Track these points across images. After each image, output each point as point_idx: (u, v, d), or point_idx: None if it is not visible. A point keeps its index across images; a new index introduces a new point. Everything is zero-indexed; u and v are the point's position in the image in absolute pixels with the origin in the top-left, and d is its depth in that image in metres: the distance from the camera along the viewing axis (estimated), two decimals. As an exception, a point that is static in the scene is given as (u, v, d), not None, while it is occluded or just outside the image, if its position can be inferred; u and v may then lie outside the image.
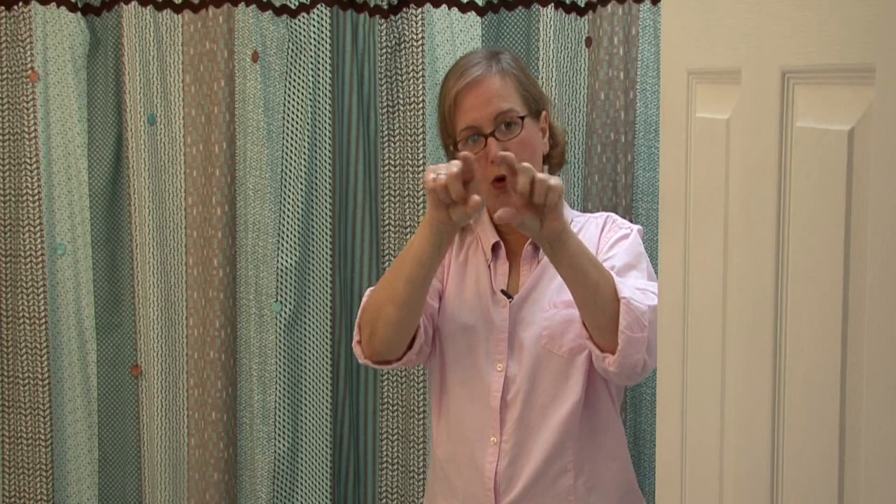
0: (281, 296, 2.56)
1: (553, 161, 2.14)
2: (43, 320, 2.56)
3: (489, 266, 2.07)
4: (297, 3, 2.55)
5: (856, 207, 0.82)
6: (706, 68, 1.17)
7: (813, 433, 0.90)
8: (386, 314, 1.96)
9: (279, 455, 2.58)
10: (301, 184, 2.56)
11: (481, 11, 2.52)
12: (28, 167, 2.54)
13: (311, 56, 2.53)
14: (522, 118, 1.99)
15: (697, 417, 1.19)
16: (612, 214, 2.16)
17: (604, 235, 2.07)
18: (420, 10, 2.48)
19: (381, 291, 2.01)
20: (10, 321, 2.60)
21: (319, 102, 2.55)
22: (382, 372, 2.60)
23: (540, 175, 1.76)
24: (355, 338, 2.06)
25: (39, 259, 2.55)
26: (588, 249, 1.87)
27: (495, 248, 2.08)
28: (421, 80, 2.47)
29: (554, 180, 1.77)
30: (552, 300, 2.00)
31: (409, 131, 2.51)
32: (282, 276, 2.55)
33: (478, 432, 2.02)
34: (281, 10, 2.56)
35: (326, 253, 2.58)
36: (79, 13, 2.60)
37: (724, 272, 1.10)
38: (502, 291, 2.03)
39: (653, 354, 1.78)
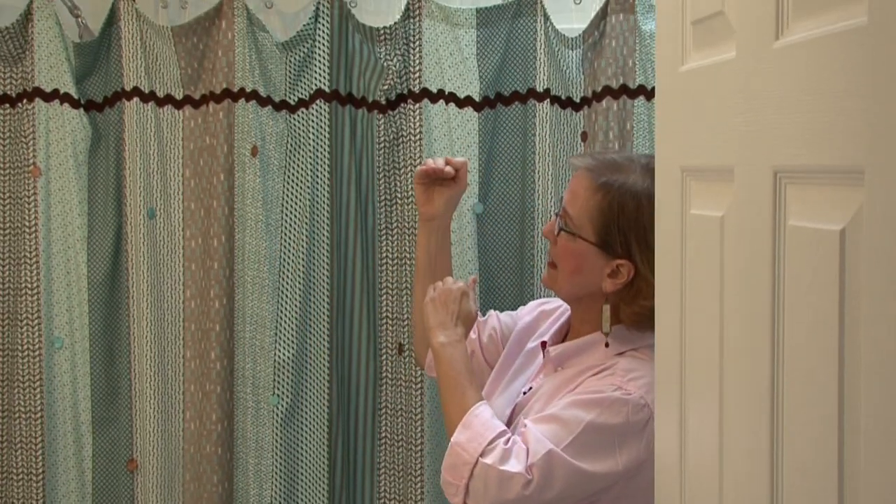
0: (278, 389, 2.55)
1: (622, 317, 1.86)
2: (39, 415, 2.55)
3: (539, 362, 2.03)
4: (296, 99, 2.59)
5: (849, 306, 0.83)
6: (700, 166, 1.18)
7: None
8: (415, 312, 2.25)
9: (275, 551, 2.55)
10: (299, 277, 2.57)
11: (478, 106, 2.55)
12: (28, 261, 2.55)
13: (310, 150, 2.56)
14: (561, 231, 1.87)
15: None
16: (628, 371, 1.79)
17: (597, 378, 1.81)
18: (418, 105, 2.51)
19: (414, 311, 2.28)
20: (5, 416, 2.59)
21: (318, 196, 2.57)
22: (379, 467, 2.59)
23: (438, 288, 2.05)
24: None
25: (37, 353, 2.55)
26: (459, 377, 1.88)
27: (543, 346, 2.01)
28: (419, 173, 2.50)
29: (427, 300, 2.04)
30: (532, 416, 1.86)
31: (406, 225, 2.53)
32: (279, 370, 2.55)
33: None
34: (280, 106, 2.60)
35: (324, 346, 2.57)
36: (81, 109, 2.64)
37: (720, 368, 1.10)
38: (529, 388, 1.97)
39: None
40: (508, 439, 1.70)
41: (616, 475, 1.69)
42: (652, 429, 1.60)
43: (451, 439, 1.75)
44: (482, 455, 1.68)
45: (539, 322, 2.11)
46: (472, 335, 2.16)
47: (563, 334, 2.00)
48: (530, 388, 1.95)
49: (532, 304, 2.19)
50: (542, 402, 1.85)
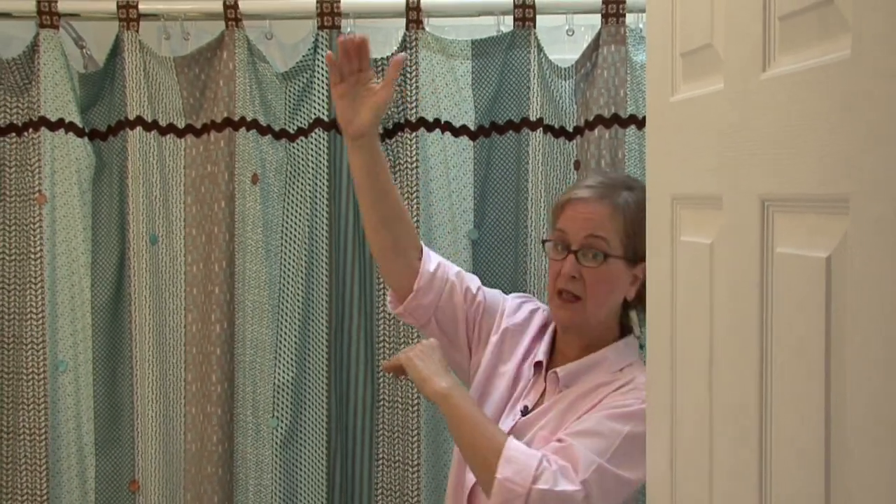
0: (277, 411, 2.55)
1: (640, 316, 2.03)
2: (43, 436, 2.55)
3: (529, 379, 2.04)
4: (295, 128, 2.60)
5: (835, 330, 0.83)
6: (689, 194, 1.19)
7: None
8: (369, 238, 2.09)
9: (274, 571, 2.54)
10: (298, 301, 2.56)
11: (473, 135, 2.56)
12: (33, 286, 2.55)
13: (309, 178, 2.57)
14: (606, 256, 1.91)
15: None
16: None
17: (620, 393, 1.89)
18: (414, 133, 2.51)
19: None
20: (10, 437, 2.58)
21: (317, 222, 2.57)
22: (377, 488, 2.58)
23: (395, 357, 2.01)
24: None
25: (41, 376, 2.54)
26: (478, 416, 1.87)
27: (537, 365, 2.04)
28: (415, 200, 2.50)
29: (404, 357, 1.97)
30: (546, 434, 1.90)
31: (403, 250, 2.53)
32: (278, 392, 2.55)
33: None
34: (280, 134, 2.61)
35: (322, 369, 2.57)
36: (85, 138, 2.64)
37: (710, 390, 1.10)
38: (525, 407, 1.98)
39: None
40: (549, 461, 1.73)
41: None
42: None
43: (497, 476, 1.72)
44: (534, 482, 1.69)
45: (528, 323, 2.13)
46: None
47: (551, 352, 2.05)
48: (525, 408, 1.97)
49: (514, 300, 2.18)
50: (555, 423, 1.90)
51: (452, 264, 2.13)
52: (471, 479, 1.96)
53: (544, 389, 2.01)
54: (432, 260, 2.08)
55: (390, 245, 2.04)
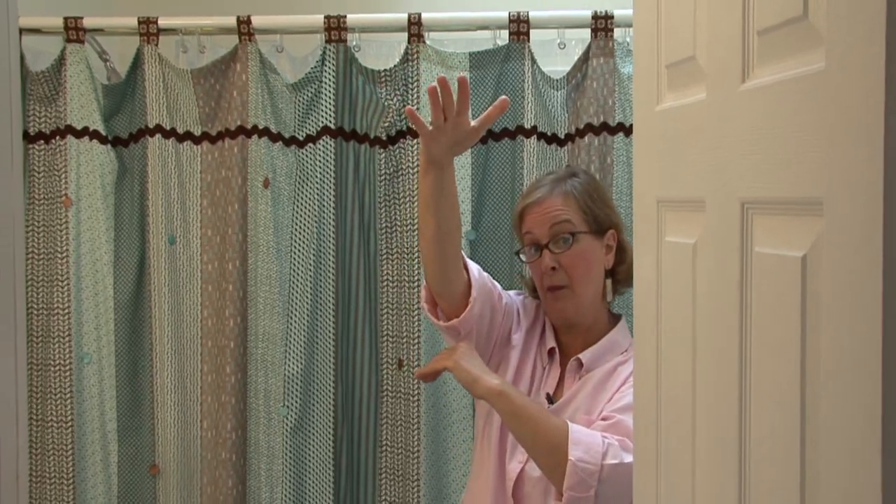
0: (287, 401, 2.54)
1: (619, 276, 2.08)
2: (69, 424, 2.55)
3: (544, 368, 2.07)
4: (304, 135, 2.59)
5: (810, 324, 0.83)
6: (674, 197, 1.19)
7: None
8: (425, 254, 2.01)
9: (285, 549, 2.54)
10: (307, 298, 2.56)
11: (471, 142, 2.56)
12: (59, 283, 2.55)
13: (317, 182, 2.56)
14: (574, 234, 2.00)
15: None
16: None
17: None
18: (415, 140, 2.51)
19: (419, 239, 2.07)
20: (39, 425, 2.58)
21: (324, 224, 2.57)
22: (381, 472, 2.58)
23: (434, 362, 2.00)
24: (424, 297, 2.09)
25: (68, 368, 2.55)
26: (536, 406, 1.86)
27: (551, 352, 2.08)
28: (416, 203, 2.50)
29: (450, 362, 1.94)
30: (583, 416, 1.94)
31: (405, 250, 2.53)
32: (288, 383, 2.54)
33: None
34: (290, 141, 2.60)
35: (330, 361, 2.57)
36: (108, 145, 2.64)
37: (692, 383, 1.10)
38: (547, 395, 2.01)
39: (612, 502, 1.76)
40: (607, 437, 1.78)
41: None
42: None
43: (570, 458, 1.74)
44: (603, 458, 1.74)
45: (537, 318, 2.15)
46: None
47: (555, 337, 2.11)
48: (548, 395, 2.01)
49: (518, 296, 2.21)
50: (588, 404, 1.94)
51: (476, 264, 2.11)
52: (513, 470, 1.97)
53: (560, 375, 2.04)
54: (471, 265, 2.06)
55: (450, 255, 1.99)
